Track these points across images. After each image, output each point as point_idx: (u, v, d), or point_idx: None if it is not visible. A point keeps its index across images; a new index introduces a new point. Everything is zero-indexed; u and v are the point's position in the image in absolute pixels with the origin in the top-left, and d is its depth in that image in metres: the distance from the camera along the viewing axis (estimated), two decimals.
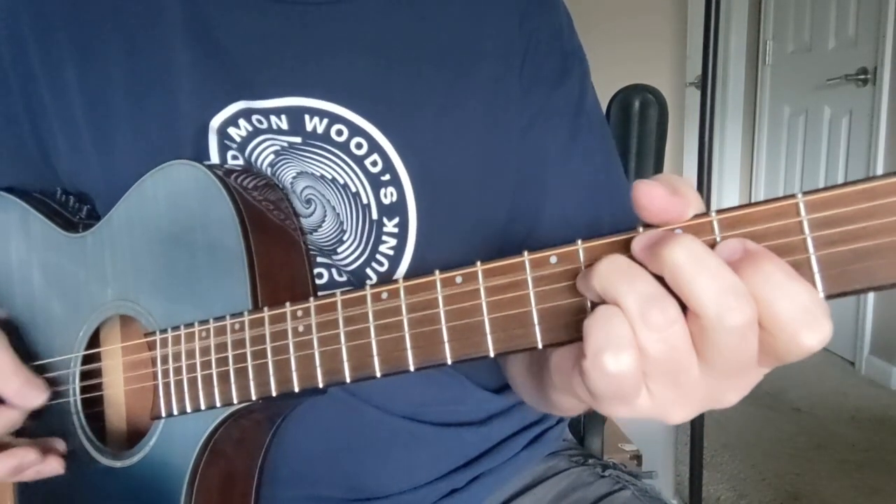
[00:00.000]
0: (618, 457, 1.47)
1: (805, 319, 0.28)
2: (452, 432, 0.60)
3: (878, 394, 2.51)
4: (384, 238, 0.54)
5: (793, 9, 3.02)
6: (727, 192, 3.44)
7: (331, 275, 0.55)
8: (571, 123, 0.60)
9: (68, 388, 0.52)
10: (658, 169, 0.87)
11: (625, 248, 0.31)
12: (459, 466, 0.61)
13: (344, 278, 0.55)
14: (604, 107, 0.85)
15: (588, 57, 0.64)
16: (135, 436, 0.52)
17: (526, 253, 0.34)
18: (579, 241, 0.33)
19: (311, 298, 0.40)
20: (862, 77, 2.58)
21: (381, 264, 0.55)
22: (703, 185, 1.56)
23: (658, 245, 0.29)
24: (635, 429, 1.50)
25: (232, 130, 0.52)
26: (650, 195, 0.30)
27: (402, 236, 0.54)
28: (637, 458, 1.49)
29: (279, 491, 0.54)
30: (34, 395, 0.50)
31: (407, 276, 0.37)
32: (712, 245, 0.30)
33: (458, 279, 0.36)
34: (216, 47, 0.53)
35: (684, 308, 0.29)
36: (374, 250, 0.54)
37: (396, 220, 0.54)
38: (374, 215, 0.54)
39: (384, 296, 0.38)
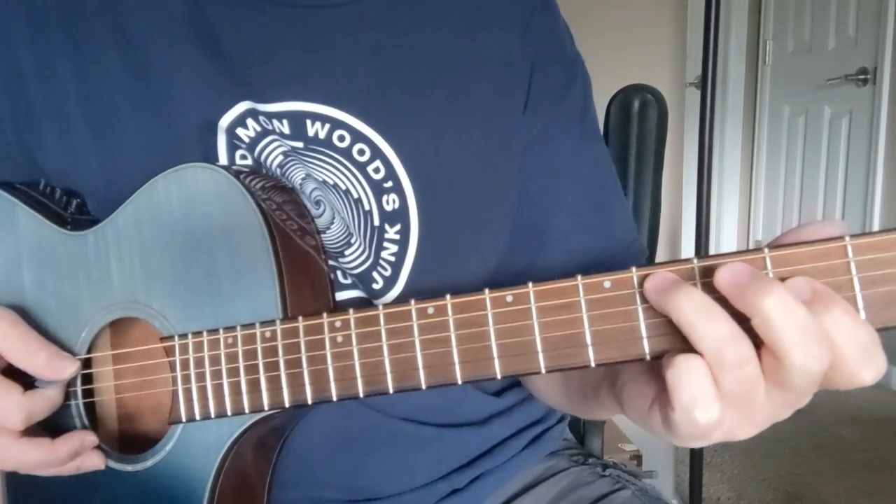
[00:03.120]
0: (618, 457, 1.47)
1: (865, 359, 0.32)
2: (453, 433, 0.60)
3: (878, 394, 2.51)
4: (385, 244, 0.54)
5: (793, 9, 3.02)
6: (727, 192, 3.44)
7: (336, 276, 0.55)
8: (579, 129, 0.61)
9: (71, 390, 0.51)
10: (658, 169, 0.87)
11: (683, 277, 0.34)
12: (460, 467, 0.61)
13: (349, 280, 0.55)
14: (603, 107, 0.85)
15: (587, 57, 0.64)
16: (135, 439, 0.52)
17: (579, 277, 0.36)
18: (633, 269, 0.35)
19: (351, 311, 0.41)
20: (862, 77, 2.58)
21: (385, 269, 0.55)
22: (703, 185, 1.56)
23: (749, 289, 0.31)
24: (635, 429, 1.50)
25: (240, 131, 0.52)
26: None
27: (403, 242, 0.54)
28: (637, 457, 1.50)
29: (281, 493, 0.54)
30: (65, 366, 0.48)
31: (453, 294, 0.39)
32: None
33: (509, 298, 0.37)
34: (217, 48, 0.53)
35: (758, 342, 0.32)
36: (377, 256, 0.54)
37: (398, 226, 0.54)
38: (376, 222, 0.54)
39: (430, 311, 0.39)
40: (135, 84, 0.52)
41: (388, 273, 0.54)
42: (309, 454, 0.55)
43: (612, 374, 0.44)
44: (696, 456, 1.67)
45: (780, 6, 3.13)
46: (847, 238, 0.32)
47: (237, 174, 0.47)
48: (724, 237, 3.44)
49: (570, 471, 0.67)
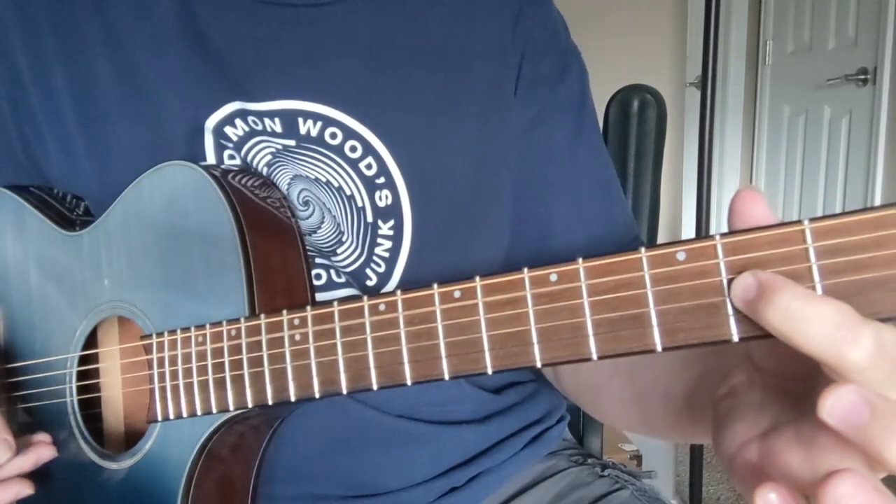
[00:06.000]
0: (617, 457, 1.47)
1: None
2: (451, 431, 0.60)
3: None
4: (379, 240, 0.54)
5: (793, 9, 3.02)
6: (727, 193, 3.44)
7: (329, 276, 0.55)
8: (575, 119, 0.60)
9: (64, 388, 0.52)
10: (657, 169, 0.87)
11: (626, 269, 0.31)
12: (458, 465, 0.61)
13: (342, 279, 0.55)
14: (602, 107, 0.85)
15: (587, 56, 0.64)
16: (132, 437, 0.52)
17: (526, 270, 0.34)
18: (580, 260, 0.32)
19: (308, 307, 0.40)
20: (862, 77, 2.58)
21: (378, 265, 0.55)
22: (703, 185, 1.56)
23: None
24: None
25: (228, 130, 0.52)
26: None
27: (397, 238, 0.54)
28: (637, 458, 1.50)
29: (277, 489, 0.54)
30: None
31: (405, 288, 0.37)
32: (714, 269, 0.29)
33: (457, 293, 0.35)
34: (208, 49, 0.53)
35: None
36: (371, 252, 0.54)
37: (391, 222, 0.54)
38: (370, 218, 0.54)
39: (382, 307, 0.37)
40: (125, 86, 0.53)
41: (382, 269, 0.54)
42: (304, 450, 0.55)
43: (691, 400, 0.41)
44: (696, 456, 1.67)
45: (780, 6, 3.13)
46: (806, 221, 0.28)
47: (224, 173, 0.47)
48: None
49: (570, 471, 0.67)
